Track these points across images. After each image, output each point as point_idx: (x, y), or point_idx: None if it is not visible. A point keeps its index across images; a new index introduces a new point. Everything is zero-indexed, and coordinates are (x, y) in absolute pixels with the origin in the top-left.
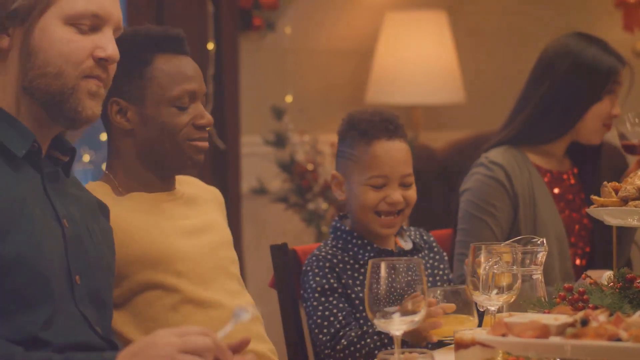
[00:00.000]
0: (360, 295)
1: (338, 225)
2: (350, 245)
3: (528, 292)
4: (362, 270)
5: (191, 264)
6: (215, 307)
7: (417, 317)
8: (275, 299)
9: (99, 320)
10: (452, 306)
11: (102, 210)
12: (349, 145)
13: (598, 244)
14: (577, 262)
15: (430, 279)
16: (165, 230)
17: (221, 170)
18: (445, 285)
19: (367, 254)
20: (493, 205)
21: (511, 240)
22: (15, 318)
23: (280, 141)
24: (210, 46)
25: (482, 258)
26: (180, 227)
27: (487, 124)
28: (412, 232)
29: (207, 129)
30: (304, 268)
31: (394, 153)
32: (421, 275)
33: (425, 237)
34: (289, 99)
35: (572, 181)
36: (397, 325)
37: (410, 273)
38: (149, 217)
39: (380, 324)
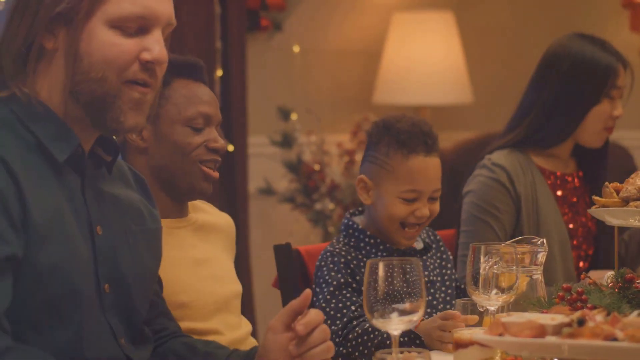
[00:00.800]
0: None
1: (350, 223)
2: (362, 244)
3: (528, 292)
4: None
5: (194, 296)
6: (213, 334)
7: (415, 317)
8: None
9: (126, 331)
10: (475, 318)
11: (148, 198)
12: (384, 153)
13: (601, 246)
14: (581, 264)
15: (439, 278)
16: (172, 260)
17: (228, 170)
18: (456, 286)
19: (380, 253)
20: (495, 207)
21: (511, 240)
22: (46, 329)
23: (287, 141)
24: (218, 47)
25: (482, 258)
26: (188, 257)
27: (494, 124)
28: (423, 233)
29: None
30: (318, 263)
31: (430, 169)
32: (420, 275)
33: (432, 237)
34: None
35: (577, 183)
36: (395, 325)
37: (408, 273)
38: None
39: (378, 323)
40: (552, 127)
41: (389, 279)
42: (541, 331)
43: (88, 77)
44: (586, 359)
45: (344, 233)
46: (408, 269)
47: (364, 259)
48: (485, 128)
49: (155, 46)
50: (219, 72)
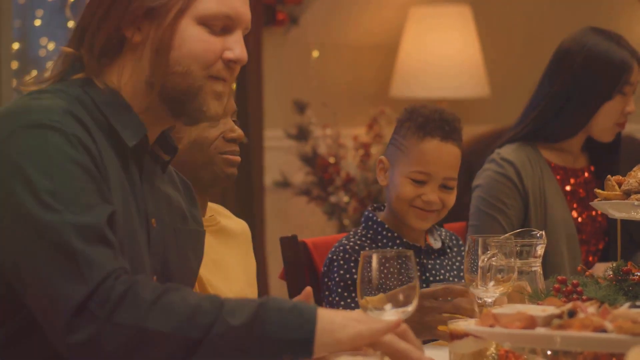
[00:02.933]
0: None
1: (370, 215)
2: (379, 237)
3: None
4: None
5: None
6: None
7: (409, 308)
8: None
9: None
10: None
11: (192, 202)
12: (402, 135)
13: (612, 240)
14: (590, 258)
15: (456, 280)
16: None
17: (245, 163)
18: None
19: (395, 247)
20: (503, 202)
21: (511, 233)
22: None
23: (302, 135)
24: None
25: (480, 250)
26: (207, 259)
27: (511, 118)
28: (443, 233)
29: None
30: (330, 256)
31: (443, 154)
32: (413, 267)
33: (455, 241)
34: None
35: (588, 178)
36: (389, 317)
37: (401, 265)
38: None
39: (372, 315)
40: (562, 121)
41: (383, 271)
42: (531, 322)
43: (173, 70)
44: (575, 350)
45: (364, 224)
46: (402, 261)
47: None
48: (502, 122)
49: (237, 46)
50: None
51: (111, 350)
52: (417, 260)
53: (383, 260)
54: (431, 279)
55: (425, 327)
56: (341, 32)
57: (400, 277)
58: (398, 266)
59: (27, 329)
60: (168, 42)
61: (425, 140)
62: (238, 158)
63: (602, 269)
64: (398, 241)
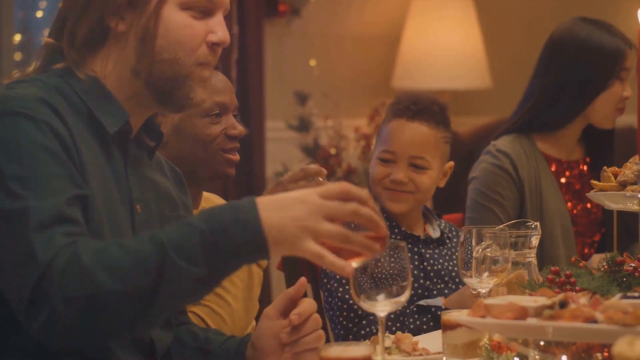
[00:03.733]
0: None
1: None
2: None
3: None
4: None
5: None
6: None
7: (402, 298)
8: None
9: None
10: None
11: (182, 189)
12: (383, 120)
13: (608, 233)
14: (586, 250)
15: (456, 269)
16: None
17: (246, 154)
18: None
19: (394, 237)
20: (499, 193)
21: (505, 224)
22: None
23: (304, 126)
24: (234, 31)
25: (474, 241)
26: None
27: (512, 109)
28: (442, 223)
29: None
30: None
31: (408, 133)
32: (406, 258)
33: (454, 231)
34: (312, 62)
35: (584, 170)
36: (381, 307)
37: (394, 256)
38: None
39: (365, 305)
40: (559, 109)
41: (376, 262)
42: (522, 313)
43: (160, 57)
44: (566, 341)
45: None
46: (394, 252)
47: None
48: (503, 113)
49: (220, 29)
50: (235, 56)
51: (72, 324)
52: (416, 249)
53: None
54: (429, 268)
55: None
56: (343, 23)
57: (394, 267)
58: (391, 257)
59: (13, 322)
60: (153, 30)
61: (392, 121)
62: (237, 157)
63: (597, 260)
64: (397, 230)
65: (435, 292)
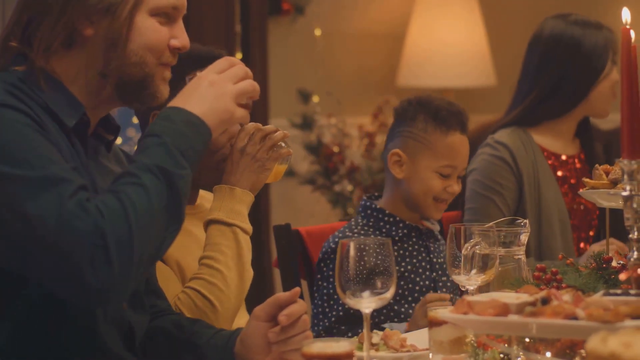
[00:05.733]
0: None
1: (368, 204)
2: (382, 223)
3: (511, 273)
4: (398, 244)
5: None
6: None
7: (387, 295)
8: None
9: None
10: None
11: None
12: (422, 129)
13: (603, 229)
14: (582, 245)
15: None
16: (183, 246)
17: None
18: None
19: (399, 230)
20: (499, 183)
21: (494, 222)
22: None
23: (307, 124)
24: (237, 30)
25: (463, 239)
26: (195, 246)
27: None
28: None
29: None
30: (332, 246)
31: (465, 147)
32: (390, 254)
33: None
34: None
35: (578, 165)
36: (366, 303)
37: (379, 252)
38: None
39: (350, 302)
40: (558, 99)
41: (361, 259)
42: (504, 310)
43: (128, 61)
44: (546, 337)
45: (362, 214)
46: (379, 249)
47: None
48: None
49: (182, 34)
50: (239, 55)
51: (129, 259)
52: (421, 242)
53: (361, 248)
54: (434, 260)
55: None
56: (347, 20)
57: (378, 263)
58: (375, 254)
59: (27, 323)
60: (126, 36)
61: (450, 135)
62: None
63: (597, 249)
64: (401, 224)
65: (440, 284)
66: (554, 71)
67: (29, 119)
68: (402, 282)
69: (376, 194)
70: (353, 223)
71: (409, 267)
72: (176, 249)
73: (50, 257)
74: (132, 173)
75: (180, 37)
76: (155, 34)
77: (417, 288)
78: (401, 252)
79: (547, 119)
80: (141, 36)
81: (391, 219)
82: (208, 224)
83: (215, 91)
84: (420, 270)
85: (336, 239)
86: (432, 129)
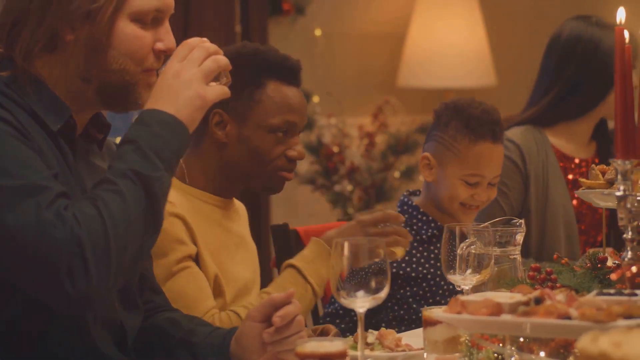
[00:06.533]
0: (410, 270)
1: (406, 200)
2: (414, 220)
3: (507, 273)
4: (425, 245)
5: (233, 276)
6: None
7: (381, 294)
8: None
9: (119, 296)
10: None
11: None
12: (452, 136)
13: (612, 233)
14: (588, 249)
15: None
16: (215, 242)
17: None
18: None
19: (430, 230)
20: (504, 183)
21: (490, 222)
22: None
23: (307, 124)
24: (237, 30)
25: (458, 239)
26: (227, 240)
27: (518, 107)
28: None
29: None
30: None
31: (494, 157)
32: (384, 254)
33: None
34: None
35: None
36: (360, 303)
37: (373, 252)
38: (204, 219)
39: (345, 301)
40: (578, 99)
41: (355, 258)
42: (497, 309)
43: (110, 67)
44: (539, 337)
45: (399, 209)
46: (373, 248)
47: (414, 235)
48: (508, 111)
49: (167, 37)
50: None
51: (106, 269)
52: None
53: (354, 248)
54: None
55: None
56: (348, 21)
57: (372, 263)
58: (370, 253)
59: (16, 325)
60: (106, 42)
61: (478, 144)
62: (292, 175)
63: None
64: (432, 224)
65: None
66: (572, 71)
67: (10, 127)
68: (424, 284)
69: (419, 190)
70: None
71: (431, 269)
72: (211, 245)
73: (30, 266)
74: (108, 180)
75: (165, 40)
76: (137, 40)
77: (440, 292)
78: (425, 253)
79: (563, 120)
80: (122, 43)
81: (424, 218)
82: (288, 266)
83: (181, 81)
84: None
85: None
86: (461, 137)
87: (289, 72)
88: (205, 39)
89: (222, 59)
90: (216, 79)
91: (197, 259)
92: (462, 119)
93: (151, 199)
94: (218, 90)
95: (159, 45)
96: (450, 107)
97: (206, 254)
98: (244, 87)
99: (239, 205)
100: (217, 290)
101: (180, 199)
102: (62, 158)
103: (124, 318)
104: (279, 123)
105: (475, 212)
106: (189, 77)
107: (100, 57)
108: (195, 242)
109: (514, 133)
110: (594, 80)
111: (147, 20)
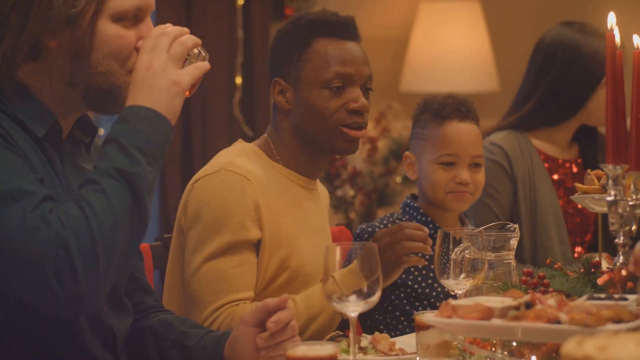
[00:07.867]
0: (412, 269)
1: (408, 201)
2: (414, 221)
3: (501, 277)
4: None
5: (303, 260)
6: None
7: (374, 298)
8: None
9: (107, 299)
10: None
11: None
12: (422, 126)
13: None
14: (578, 249)
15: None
16: (294, 222)
17: None
18: None
19: (429, 231)
20: (494, 187)
21: (484, 227)
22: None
23: None
24: (239, 36)
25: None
26: (307, 223)
27: None
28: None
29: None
30: (357, 232)
31: (465, 133)
32: (376, 258)
33: None
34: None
35: (575, 169)
36: (352, 307)
37: (365, 256)
38: (285, 200)
39: (336, 306)
40: (558, 106)
41: (347, 262)
42: (488, 314)
43: (95, 70)
44: (529, 341)
45: (402, 210)
46: (365, 253)
47: None
48: None
49: (149, 33)
50: (240, 60)
51: (94, 268)
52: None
53: (347, 252)
54: None
55: (389, 264)
56: None
57: (364, 267)
58: (363, 258)
59: (4, 326)
60: (89, 45)
61: (444, 124)
62: (360, 132)
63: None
64: (431, 225)
65: None
66: (552, 77)
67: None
68: (415, 286)
69: None
70: (387, 215)
71: (423, 271)
72: (290, 230)
73: (18, 271)
74: (92, 180)
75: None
76: (119, 40)
77: (434, 294)
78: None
79: (544, 126)
80: (104, 44)
81: (423, 218)
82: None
83: (152, 72)
84: None
85: (369, 227)
86: (430, 125)
87: (337, 27)
88: (168, 24)
89: (188, 39)
90: (189, 60)
91: (259, 244)
92: (429, 109)
93: (136, 195)
94: (192, 71)
95: (141, 43)
96: (420, 104)
97: (275, 237)
98: (292, 50)
99: (322, 190)
100: (281, 270)
101: (267, 177)
102: (48, 163)
103: (113, 321)
104: (329, 77)
105: (467, 198)
106: (160, 67)
107: (84, 61)
108: (262, 228)
109: (497, 137)
110: (574, 87)
111: (129, 19)
